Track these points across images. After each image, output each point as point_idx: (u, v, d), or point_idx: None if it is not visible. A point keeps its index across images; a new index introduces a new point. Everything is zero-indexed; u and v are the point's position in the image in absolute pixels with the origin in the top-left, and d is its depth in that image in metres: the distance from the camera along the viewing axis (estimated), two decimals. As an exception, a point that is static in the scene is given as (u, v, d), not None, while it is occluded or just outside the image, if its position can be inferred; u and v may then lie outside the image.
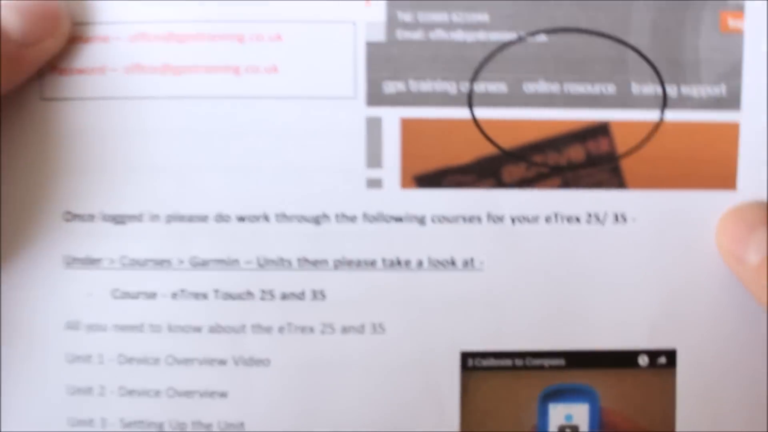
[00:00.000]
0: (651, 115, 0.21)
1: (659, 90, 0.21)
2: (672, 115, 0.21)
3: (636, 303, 0.21)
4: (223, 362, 0.21)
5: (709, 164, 0.21)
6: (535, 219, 0.21)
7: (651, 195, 0.21)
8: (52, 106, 0.21)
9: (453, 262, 0.21)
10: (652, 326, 0.21)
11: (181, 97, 0.21)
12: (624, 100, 0.21)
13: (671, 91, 0.21)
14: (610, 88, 0.21)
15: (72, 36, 0.21)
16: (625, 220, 0.21)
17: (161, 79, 0.21)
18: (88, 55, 0.21)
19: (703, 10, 0.21)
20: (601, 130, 0.21)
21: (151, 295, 0.21)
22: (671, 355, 0.22)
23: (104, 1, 0.21)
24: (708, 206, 0.21)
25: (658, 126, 0.21)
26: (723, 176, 0.21)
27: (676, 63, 0.21)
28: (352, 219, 0.21)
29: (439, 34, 0.21)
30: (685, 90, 0.21)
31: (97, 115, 0.21)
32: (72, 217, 0.21)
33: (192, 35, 0.21)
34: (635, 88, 0.21)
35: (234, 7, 0.21)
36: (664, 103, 0.21)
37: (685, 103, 0.21)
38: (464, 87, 0.21)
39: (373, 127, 0.21)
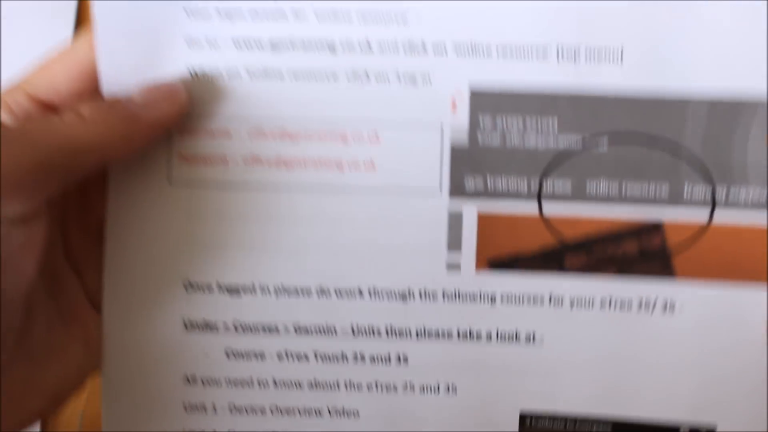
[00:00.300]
0: (701, 214, 0.25)
1: (709, 190, 0.24)
2: (721, 215, 0.24)
3: (680, 382, 0.25)
4: (319, 413, 0.25)
5: (755, 261, 0.24)
6: (591, 302, 0.25)
7: (699, 287, 0.25)
8: (178, 190, 0.25)
9: (517, 336, 0.25)
10: (694, 403, 0.25)
11: (291, 187, 0.25)
12: (676, 199, 0.24)
13: (720, 191, 0.24)
14: (664, 188, 0.25)
15: (198, 130, 0.25)
16: (673, 308, 0.25)
17: (275, 171, 0.25)
18: (212, 147, 0.25)
19: (752, 120, 0.24)
20: (654, 228, 0.25)
21: (260, 355, 0.25)
22: (711, 431, 0.25)
23: (226, 100, 0.25)
24: (753, 299, 0.24)
25: (707, 225, 0.25)
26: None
27: (726, 167, 0.24)
28: (434, 296, 0.25)
29: (514, 138, 0.25)
30: (734, 191, 0.24)
31: (217, 199, 0.25)
32: (192, 286, 0.25)
33: (302, 134, 0.25)
34: (687, 189, 0.25)
35: (338, 111, 0.24)
36: (714, 202, 0.24)
37: (733, 203, 0.24)
38: (534, 185, 0.25)
39: (455, 217, 0.25)
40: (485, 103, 0.24)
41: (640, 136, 0.24)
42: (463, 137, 0.24)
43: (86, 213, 0.26)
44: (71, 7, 0.38)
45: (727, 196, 0.24)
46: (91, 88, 0.24)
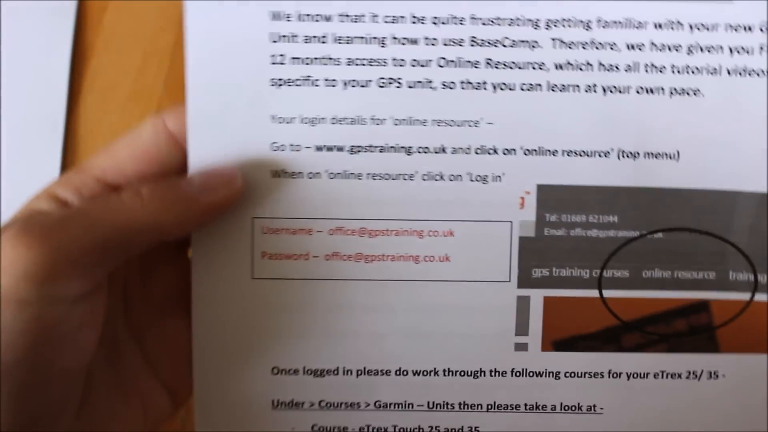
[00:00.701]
0: (744, 296, 0.27)
1: (752, 277, 0.27)
2: (761, 297, 0.27)
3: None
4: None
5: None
6: (646, 376, 0.27)
7: (741, 358, 0.27)
8: (261, 283, 0.27)
9: (579, 407, 0.28)
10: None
11: (370, 280, 0.27)
12: (722, 284, 0.27)
13: (762, 278, 0.27)
14: (711, 275, 0.27)
15: (281, 229, 0.26)
16: (717, 377, 0.27)
17: (355, 265, 0.27)
18: (294, 245, 0.27)
19: (793, 213, 0.27)
20: (702, 306, 0.27)
21: (344, 429, 0.27)
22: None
23: (307, 200, 0.26)
24: None
25: (748, 305, 0.27)
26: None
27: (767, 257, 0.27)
28: (503, 374, 0.27)
29: (577, 232, 0.27)
30: (773, 276, 0.27)
31: (299, 290, 0.27)
32: (279, 371, 0.27)
33: (381, 231, 0.27)
34: (732, 275, 0.27)
35: (415, 209, 0.26)
36: (755, 287, 0.27)
37: (772, 286, 0.27)
38: (595, 273, 0.27)
39: (522, 304, 0.27)
40: (551, 199, 0.26)
41: (692, 228, 0.26)
42: (531, 231, 0.26)
43: (147, 283, 0.27)
44: (71, 7, 0.39)
45: (767, 280, 0.27)
46: (156, 171, 0.25)
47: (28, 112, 0.38)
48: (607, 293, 0.27)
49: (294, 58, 0.25)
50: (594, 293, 0.27)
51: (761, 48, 0.26)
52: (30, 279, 0.21)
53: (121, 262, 0.23)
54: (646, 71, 0.26)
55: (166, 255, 0.27)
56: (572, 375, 0.27)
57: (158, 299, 0.27)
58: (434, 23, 0.25)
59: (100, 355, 0.25)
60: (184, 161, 0.25)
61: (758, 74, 0.26)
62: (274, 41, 0.25)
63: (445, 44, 0.25)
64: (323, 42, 0.25)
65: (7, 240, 0.21)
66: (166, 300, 0.27)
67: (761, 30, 0.25)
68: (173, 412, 0.27)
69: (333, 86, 0.25)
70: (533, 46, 0.25)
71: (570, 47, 0.26)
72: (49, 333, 0.21)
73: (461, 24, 0.25)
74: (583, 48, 0.26)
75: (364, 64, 0.25)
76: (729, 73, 0.26)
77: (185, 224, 0.24)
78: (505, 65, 0.26)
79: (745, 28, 0.26)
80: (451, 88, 0.26)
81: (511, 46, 0.25)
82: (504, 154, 0.26)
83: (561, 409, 0.27)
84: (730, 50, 0.26)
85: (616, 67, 0.26)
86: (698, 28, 0.26)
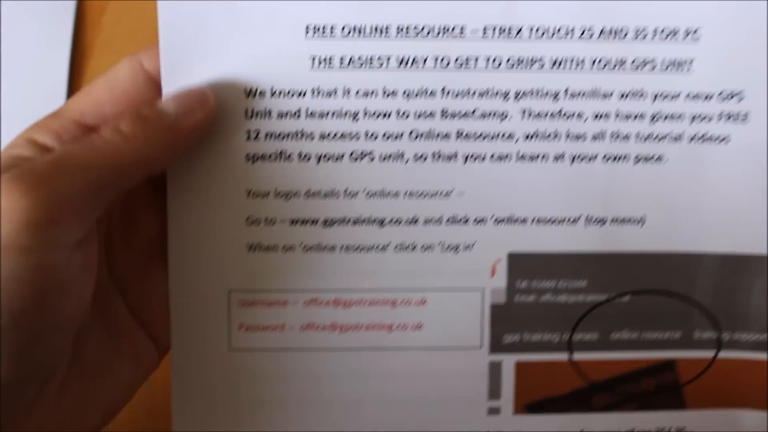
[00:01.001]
0: (708, 354, 0.28)
1: (716, 335, 0.28)
2: (725, 355, 0.28)
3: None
4: None
5: (755, 390, 0.28)
6: None
7: (707, 414, 0.28)
8: (238, 355, 0.27)
9: (552, 466, 0.28)
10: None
11: (345, 349, 0.27)
12: (687, 343, 0.28)
13: (726, 336, 0.28)
14: (677, 335, 0.28)
15: (257, 301, 0.26)
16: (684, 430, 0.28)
17: (330, 335, 0.27)
18: (270, 317, 0.27)
19: (755, 277, 0.27)
20: (668, 366, 0.28)
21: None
22: None
23: (282, 273, 0.26)
24: (753, 422, 0.28)
25: (713, 362, 0.28)
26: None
27: (731, 316, 0.28)
28: (476, 437, 0.28)
29: (547, 297, 0.27)
30: (737, 336, 0.28)
31: (275, 361, 0.27)
32: (258, 438, 0.27)
33: (355, 301, 0.27)
34: (697, 334, 0.28)
35: (388, 280, 0.27)
36: (719, 345, 0.28)
37: (736, 345, 0.28)
38: (565, 337, 0.28)
39: (495, 369, 0.27)
40: (521, 266, 0.27)
41: (658, 289, 0.27)
42: (502, 298, 0.27)
43: (128, 232, 0.26)
44: (71, 7, 0.38)
45: (731, 339, 0.28)
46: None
47: (28, 112, 0.37)
48: (578, 356, 0.27)
49: (268, 133, 0.25)
50: (564, 356, 0.27)
51: (720, 115, 0.26)
52: (31, 226, 0.20)
53: (110, 204, 0.23)
54: (612, 139, 0.26)
55: (145, 202, 0.27)
56: (545, 436, 0.28)
57: (139, 248, 0.27)
58: (405, 96, 0.26)
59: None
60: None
61: (717, 141, 0.26)
62: (250, 117, 0.25)
63: (417, 117, 0.26)
64: (297, 117, 0.25)
65: (1, 189, 0.20)
66: (147, 249, 0.27)
67: (719, 98, 0.26)
68: (159, 362, 0.27)
69: (307, 160, 0.26)
70: (503, 117, 0.26)
71: (538, 117, 0.26)
72: (53, 280, 0.21)
73: (432, 97, 0.26)
74: (552, 118, 0.26)
75: (337, 138, 0.26)
76: (690, 140, 0.26)
77: (171, 152, 0.24)
78: (475, 136, 0.26)
79: (704, 97, 0.26)
80: (422, 159, 0.26)
81: (481, 118, 0.26)
82: (475, 223, 0.26)
83: (534, 469, 0.28)
84: (691, 118, 0.26)
85: (584, 136, 0.26)
86: (661, 98, 0.26)
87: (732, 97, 0.26)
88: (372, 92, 0.25)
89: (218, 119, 0.25)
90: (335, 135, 0.26)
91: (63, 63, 0.38)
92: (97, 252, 0.24)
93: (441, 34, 0.25)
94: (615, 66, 0.26)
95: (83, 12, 0.38)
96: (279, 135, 0.25)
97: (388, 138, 0.26)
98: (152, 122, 0.23)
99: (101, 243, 0.25)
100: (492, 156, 0.26)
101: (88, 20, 0.38)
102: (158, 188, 0.26)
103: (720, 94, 0.26)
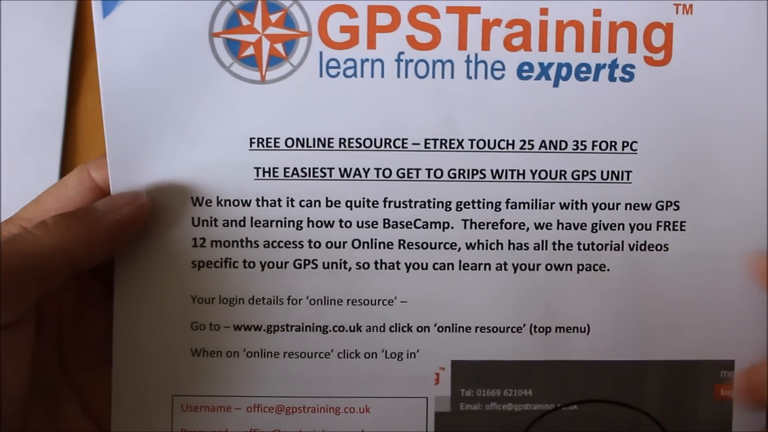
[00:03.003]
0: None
1: (665, 447, 0.27)
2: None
3: None
4: None
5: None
6: None
7: None
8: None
9: None
10: None
11: (289, 456, 0.27)
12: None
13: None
14: (630, 448, 0.27)
15: (200, 406, 0.26)
16: None
17: (273, 443, 0.27)
18: (213, 422, 0.27)
19: (700, 384, 0.27)
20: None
21: None
22: None
23: (225, 379, 0.27)
24: None
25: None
26: None
27: (680, 423, 0.27)
28: None
29: (493, 406, 0.27)
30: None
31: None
32: None
33: (298, 408, 0.27)
34: (648, 449, 0.27)
35: (331, 387, 0.27)
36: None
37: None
38: (513, 449, 0.27)
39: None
40: (466, 374, 0.27)
41: (605, 399, 0.27)
42: (447, 406, 0.27)
43: (82, 331, 0.27)
44: (71, 7, 0.39)
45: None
46: None
47: (28, 112, 0.38)
48: (525, 471, 0.27)
49: (214, 241, 0.26)
50: (512, 465, 0.27)
51: (658, 224, 0.27)
52: None
53: (39, 293, 0.23)
54: (554, 249, 0.27)
55: (99, 304, 0.27)
56: None
57: (93, 348, 0.27)
58: (348, 206, 0.26)
59: (38, 404, 0.25)
60: None
61: (657, 248, 0.27)
62: (196, 225, 0.26)
63: (360, 226, 0.26)
64: (242, 225, 0.26)
65: None
66: (100, 348, 0.27)
67: (657, 207, 0.27)
68: None
69: (251, 267, 0.26)
70: (445, 227, 0.27)
71: (480, 227, 0.27)
72: None
73: (374, 206, 0.26)
74: (493, 228, 0.27)
75: (281, 246, 0.26)
76: (631, 248, 0.27)
77: (91, 246, 0.24)
78: (417, 245, 0.27)
79: (643, 206, 0.27)
80: (365, 268, 0.26)
81: (423, 227, 0.26)
82: (418, 331, 0.27)
83: None
84: (631, 227, 0.27)
85: (526, 246, 0.27)
86: (601, 207, 0.27)
87: (669, 207, 0.26)
88: (315, 202, 0.26)
89: (165, 226, 0.26)
90: (279, 243, 0.26)
91: (63, 63, 0.38)
92: (29, 342, 0.24)
93: (383, 146, 0.26)
94: (555, 176, 0.26)
95: (83, 12, 0.39)
96: (224, 242, 0.26)
97: (331, 246, 0.26)
98: (76, 216, 0.25)
99: (50, 342, 0.26)
100: (434, 265, 0.27)
101: (88, 20, 0.38)
102: (111, 290, 0.27)
103: (657, 203, 0.27)
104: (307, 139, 0.26)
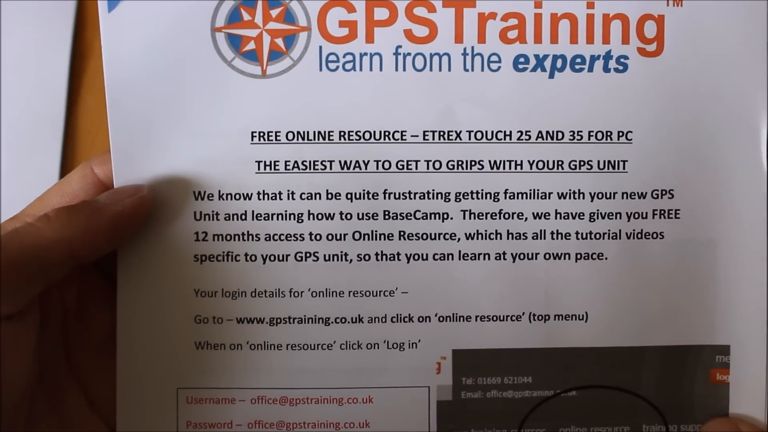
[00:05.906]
0: (658, 448, 0.28)
1: (663, 428, 0.28)
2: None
3: None
4: None
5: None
6: None
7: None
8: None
9: None
10: None
11: (293, 444, 0.27)
12: (637, 440, 0.28)
13: (673, 428, 0.28)
14: (625, 429, 0.28)
15: (204, 399, 0.27)
16: None
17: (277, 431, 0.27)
18: (218, 414, 0.27)
19: (696, 367, 0.28)
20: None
21: None
22: None
23: (229, 371, 0.27)
24: None
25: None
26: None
27: (676, 408, 0.28)
28: None
29: (493, 393, 0.28)
30: (684, 428, 0.28)
31: (224, 459, 0.27)
32: None
33: (301, 399, 0.27)
34: (645, 428, 0.28)
35: (334, 378, 0.27)
36: (667, 438, 0.28)
37: (683, 436, 0.28)
38: (513, 431, 0.28)
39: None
40: (467, 363, 0.27)
41: (603, 384, 0.27)
42: (448, 395, 0.27)
43: (87, 325, 0.27)
44: (71, 7, 0.39)
45: (679, 431, 0.28)
46: None
47: (28, 112, 0.38)
48: (526, 455, 0.27)
49: (216, 234, 0.26)
50: (513, 452, 0.27)
51: (653, 212, 0.27)
52: None
53: (43, 284, 0.24)
54: (553, 238, 0.27)
55: (104, 298, 0.27)
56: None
57: (98, 342, 0.27)
58: (348, 198, 0.27)
59: (42, 398, 0.25)
60: None
61: (653, 236, 0.27)
62: (198, 219, 0.26)
63: (360, 218, 0.27)
64: (243, 219, 0.26)
65: None
66: (105, 343, 0.27)
67: (653, 196, 0.27)
68: None
69: (253, 261, 0.26)
70: (444, 218, 0.27)
71: (479, 218, 0.27)
72: None
73: (374, 198, 0.27)
74: (492, 218, 0.27)
75: (282, 239, 0.27)
76: (628, 236, 0.27)
77: (93, 237, 0.25)
78: (417, 236, 0.27)
79: (638, 195, 0.27)
80: (366, 260, 0.27)
81: (423, 218, 0.27)
82: (419, 321, 0.27)
83: None
84: (628, 216, 0.27)
85: (524, 235, 0.27)
86: (598, 197, 0.27)
87: (663, 195, 0.27)
88: (316, 195, 0.26)
89: (167, 221, 0.26)
90: (281, 236, 0.26)
91: (63, 63, 0.38)
92: (34, 334, 0.24)
93: (382, 139, 0.26)
94: (552, 167, 0.27)
95: (83, 12, 0.39)
96: (226, 236, 0.26)
97: (332, 239, 0.27)
98: (78, 209, 0.25)
99: (55, 335, 0.26)
100: (434, 256, 0.27)
101: (88, 20, 0.39)
102: (116, 285, 0.27)
103: (653, 192, 0.27)
104: (308, 133, 0.26)
